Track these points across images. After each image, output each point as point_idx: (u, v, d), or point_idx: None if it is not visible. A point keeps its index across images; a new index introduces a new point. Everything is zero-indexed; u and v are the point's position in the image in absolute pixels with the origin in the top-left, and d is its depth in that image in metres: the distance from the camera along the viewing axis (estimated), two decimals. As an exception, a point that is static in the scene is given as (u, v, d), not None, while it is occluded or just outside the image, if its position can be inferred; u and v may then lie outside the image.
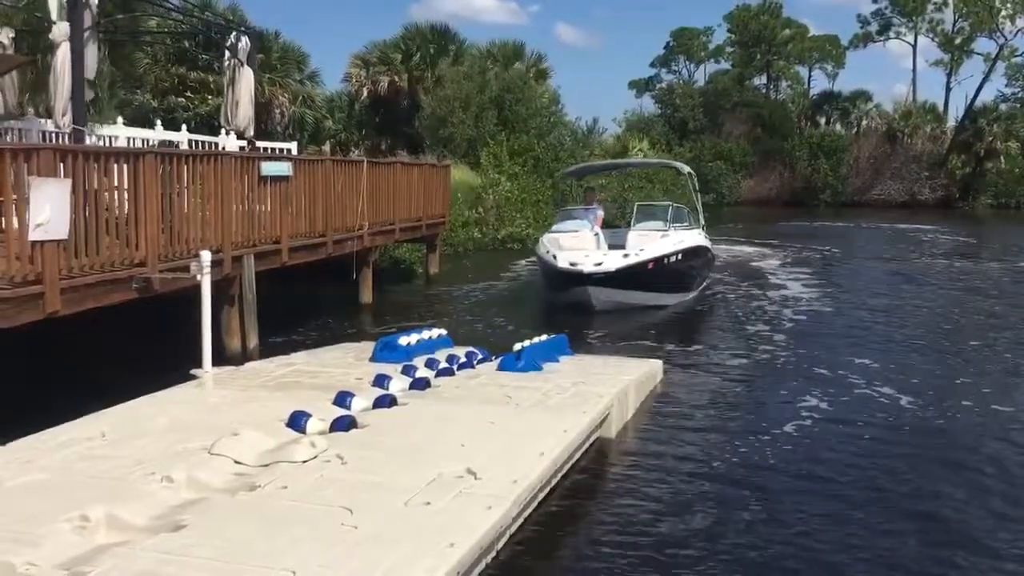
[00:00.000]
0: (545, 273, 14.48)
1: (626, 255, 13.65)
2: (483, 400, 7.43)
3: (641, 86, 71.98)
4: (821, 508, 6.14)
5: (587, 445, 6.99)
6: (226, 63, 13.16)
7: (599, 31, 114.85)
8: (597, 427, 7.25)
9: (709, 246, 16.36)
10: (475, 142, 29.89)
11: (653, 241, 14.26)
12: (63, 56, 9.84)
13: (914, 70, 66.91)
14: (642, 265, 13.55)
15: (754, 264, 22.67)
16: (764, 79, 65.17)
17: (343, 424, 6.45)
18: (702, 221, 16.90)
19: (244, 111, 12.87)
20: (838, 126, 61.15)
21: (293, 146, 20.42)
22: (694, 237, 15.41)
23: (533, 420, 6.80)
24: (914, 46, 63.80)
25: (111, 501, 4.78)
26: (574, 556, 5.45)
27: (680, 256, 14.50)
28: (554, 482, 6.10)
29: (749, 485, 6.59)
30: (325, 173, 12.92)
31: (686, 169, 18.16)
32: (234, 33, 13.33)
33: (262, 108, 24.38)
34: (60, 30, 9.81)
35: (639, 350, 11.13)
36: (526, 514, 5.49)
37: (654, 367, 9.42)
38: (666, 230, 14.83)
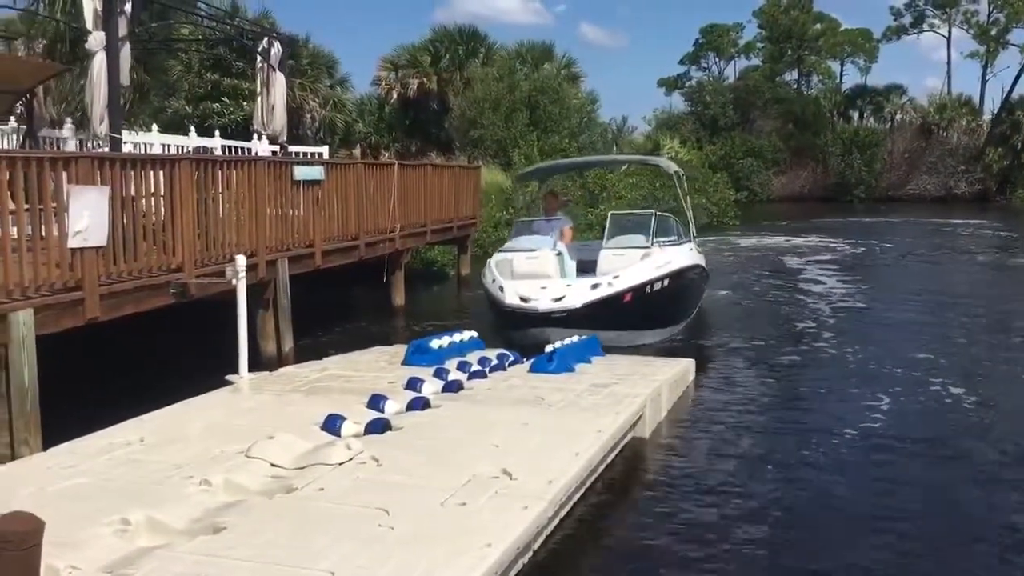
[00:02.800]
0: (492, 309, 11.29)
1: (595, 285, 10.62)
2: (516, 401, 7.43)
3: (670, 84, 71.57)
4: (862, 511, 6.03)
5: (621, 445, 6.97)
6: (258, 69, 13.30)
7: (624, 30, 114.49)
8: (631, 427, 7.23)
9: (703, 264, 13.23)
10: (505, 143, 29.90)
11: (631, 263, 11.23)
12: (99, 64, 9.98)
13: (948, 63, 65.70)
14: (616, 298, 10.56)
15: (789, 259, 22.48)
16: (795, 74, 64.57)
17: (377, 426, 6.48)
18: (693, 232, 13.57)
19: (277, 116, 13.00)
20: (871, 121, 60.45)
21: (324, 150, 20.63)
22: (684, 255, 12.29)
23: (567, 421, 6.79)
24: (948, 38, 63.02)
25: (151, 505, 4.84)
26: (610, 555, 5.43)
27: (666, 282, 11.26)
28: (589, 482, 6.09)
29: (787, 485, 6.53)
30: (357, 176, 13.00)
31: (672, 168, 14.46)
32: (266, 39, 13.45)
33: (293, 113, 24.56)
34: (96, 39, 9.96)
35: (671, 348, 11.05)
36: (562, 514, 5.48)
37: (687, 367, 9.36)
38: (648, 247, 11.72)
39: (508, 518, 4.72)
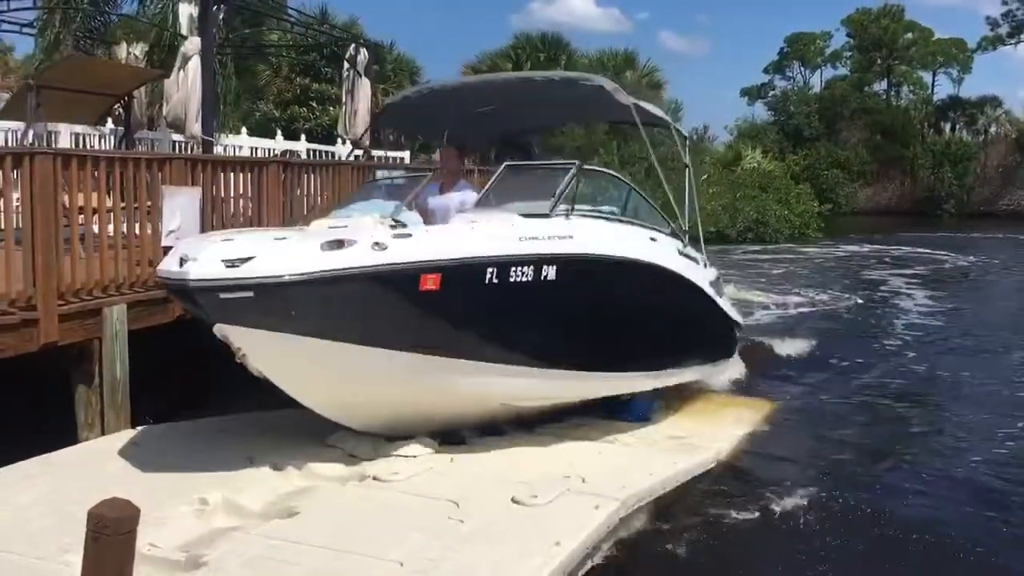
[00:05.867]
0: None
1: (338, 243, 5.16)
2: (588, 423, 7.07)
3: (753, 93, 70.45)
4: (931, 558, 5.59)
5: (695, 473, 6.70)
6: (345, 75, 13.57)
7: (705, 38, 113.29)
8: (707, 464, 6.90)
9: (701, 284, 7.99)
10: (585, 150, 29.85)
11: (493, 227, 5.82)
12: (194, 69, 10.33)
13: (1048, 74, 63.36)
14: (398, 279, 5.22)
15: (880, 273, 21.76)
16: (884, 84, 62.91)
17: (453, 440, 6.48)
18: (686, 224, 8.39)
19: (361, 121, 13.23)
20: (964, 133, 58.51)
21: (406, 155, 20.89)
22: (644, 245, 7.13)
23: (641, 451, 6.51)
24: (1049, 48, 60.69)
25: (228, 487, 5.00)
26: (679, 563, 5.36)
27: (551, 273, 5.82)
28: (661, 493, 5.93)
29: (866, 524, 6.11)
30: (437, 181, 13.12)
31: (628, 100, 8.33)
32: (353, 45, 13.73)
33: (376, 118, 24.97)
34: (192, 44, 10.31)
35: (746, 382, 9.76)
36: (631, 522, 5.35)
37: (763, 406, 8.60)
38: (547, 215, 6.13)
39: (579, 517, 4.73)
